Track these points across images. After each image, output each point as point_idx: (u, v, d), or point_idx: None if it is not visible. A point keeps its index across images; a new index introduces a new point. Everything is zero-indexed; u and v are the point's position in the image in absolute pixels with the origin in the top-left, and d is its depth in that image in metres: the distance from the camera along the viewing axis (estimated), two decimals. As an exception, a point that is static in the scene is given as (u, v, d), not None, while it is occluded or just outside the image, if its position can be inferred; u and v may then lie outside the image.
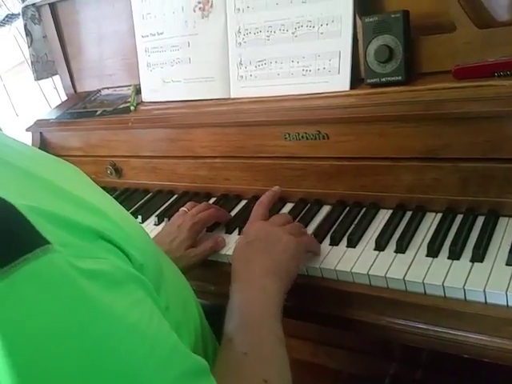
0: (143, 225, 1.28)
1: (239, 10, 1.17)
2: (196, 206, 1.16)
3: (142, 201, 1.39)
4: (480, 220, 0.94)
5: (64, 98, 1.78)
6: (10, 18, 5.00)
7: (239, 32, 1.18)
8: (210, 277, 1.10)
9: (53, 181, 0.60)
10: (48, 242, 0.48)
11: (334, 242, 1.00)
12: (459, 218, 0.96)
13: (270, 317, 0.79)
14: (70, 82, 1.71)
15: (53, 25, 1.66)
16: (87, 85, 1.68)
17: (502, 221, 0.93)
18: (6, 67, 6.20)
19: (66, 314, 0.48)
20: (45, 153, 0.76)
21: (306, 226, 1.06)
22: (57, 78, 1.81)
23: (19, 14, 4.72)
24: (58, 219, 0.52)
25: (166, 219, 1.25)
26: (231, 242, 1.10)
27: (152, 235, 1.20)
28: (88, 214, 0.58)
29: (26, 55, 5.39)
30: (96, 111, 1.49)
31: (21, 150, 0.67)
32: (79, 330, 0.48)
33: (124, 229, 0.62)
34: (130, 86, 1.49)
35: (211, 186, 1.29)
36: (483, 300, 0.81)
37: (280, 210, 1.16)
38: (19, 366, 0.45)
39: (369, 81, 1.03)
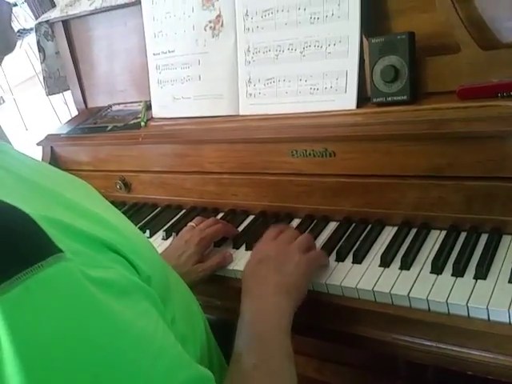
0: (151, 239, 1.29)
1: (249, 29, 1.19)
2: (204, 221, 1.17)
3: (151, 215, 1.41)
4: (483, 238, 0.95)
5: (74, 113, 1.81)
6: (22, 32, 5.06)
7: (248, 51, 1.20)
8: (216, 292, 1.11)
9: (62, 193, 0.62)
10: (61, 250, 0.50)
11: (340, 258, 1.01)
12: (463, 235, 0.97)
13: (280, 333, 0.80)
14: (82, 98, 1.74)
15: (65, 41, 1.69)
16: (98, 100, 1.71)
17: (505, 239, 0.94)
18: (17, 81, 6.26)
19: (76, 321, 0.49)
20: (54, 167, 0.77)
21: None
22: (67, 93, 1.84)
23: (31, 30, 4.77)
24: (69, 229, 0.54)
25: (173, 234, 1.26)
26: (238, 257, 1.11)
27: (160, 250, 1.21)
28: (96, 225, 0.59)
29: (36, 70, 5.45)
30: (107, 126, 1.51)
31: (30, 164, 0.69)
32: (89, 336, 0.49)
33: (131, 241, 0.63)
34: (140, 102, 1.52)
35: (219, 201, 1.31)
36: (486, 317, 0.82)
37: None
38: (29, 371, 0.46)
39: (375, 100, 1.05)
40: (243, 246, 1.14)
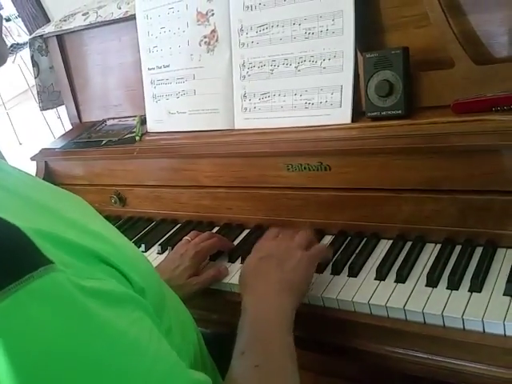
0: (146, 253, 1.29)
1: (244, 44, 1.20)
2: (199, 235, 1.17)
3: (146, 229, 1.41)
4: (478, 251, 0.96)
5: (68, 127, 1.81)
6: (15, 47, 5.07)
7: (243, 65, 1.21)
8: (212, 305, 1.11)
9: (55, 207, 0.62)
10: (51, 262, 0.50)
11: (336, 272, 1.02)
12: (458, 248, 0.98)
13: (282, 331, 0.81)
14: (76, 112, 1.74)
15: (60, 56, 1.70)
16: (92, 115, 1.71)
17: (500, 252, 0.95)
18: (10, 95, 6.27)
19: (68, 331, 0.49)
20: (46, 182, 0.78)
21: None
22: (61, 107, 1.84)
23: (24, 44, 4.78)
24: (60, 241, 0.54)
25: (169, 248, 1.26)
26: (234, 271, 1.12)
27: (155, 263, 1.21)
28: (89, 238, 0.59)
29: (30, 84, 5.46)
30: (101, 141, 1.51)
31: (24, 179, 0.69)
32: (81, 346, 0.49)
33: (125, 253, 0.64)
34: (135, 116, 1.52)
35: (214, 215, 1.31)
36: (481, 329, 0.82)
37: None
38: (23, 381, 0.46)
39: (370, 114, 1.06)
40: (238, 260, 1.15)
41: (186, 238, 1.17)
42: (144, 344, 0.55)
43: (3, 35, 0.69)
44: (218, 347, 0.89)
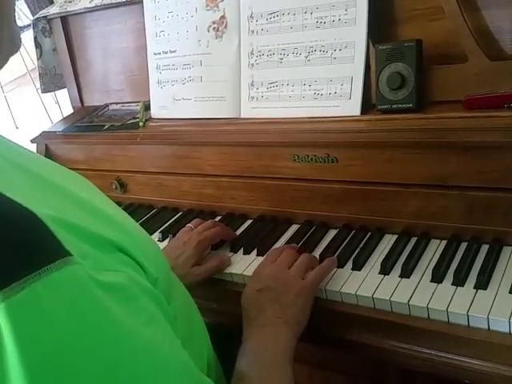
0: (147, 240, 1.28)
1: (253, 31, 1.19)
2: (202, 223, 1.16)
3: (147, 216, 1.40)
4: (484, 248, 0.95)
5: (66, 112, 1.80)
6: (15, 30, 5.03)
7: (252, 53, 1.20)
8: (212, 295, 1.10)
9: (70, 189, 0.61)
10: (69, 254, 0.48)
11: (340, 265, 1.01)
12: (464, 245, 0.97)
13: (281, 361, 0.81)
14: (78, 96, 1.72)
15: (63, 38, 1.68)
16: (94, 99, 1.70)
17: (506, 250, 0.94)
18: (8, 79, 6.23)
19: (82, 327, 0.48)
20: (55, 163, 0.77)
21: (312, 249, 1.07)
22: (59, 92, 1.82)
23: (24, 27, 4.74)
24: (79, 230, 0.53)
25: (170, 236, 1.25)
26: (236, 261, 1.11)
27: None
28: (106, 226, 0.58)
29: (28, 68, 5.42)
30: (103, 125, 1.50)
31: (36, 158, 0.68)
32: (94, 343, 0.48)
33: (139, 242, 0.63)
34: (138, 102, 1.51)
35: (217, 204, 1.30)
36: (486, 327, 0.82)
37: (285, 231, 1.17)
38: (32, 375, 0.45)
39: (380, 107, 1.05)
40: (241, 250, 1.14)
41: (189, 225, 1.16)
42: (157, 345, 0.55)
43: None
44: (218, 337, 0.89)
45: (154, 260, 0.64)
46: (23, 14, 5.12)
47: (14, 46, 0.65)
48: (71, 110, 1.77)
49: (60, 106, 4.73)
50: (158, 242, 1.27)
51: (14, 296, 0.45)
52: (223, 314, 1.08)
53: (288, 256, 1.00)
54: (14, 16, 0.66)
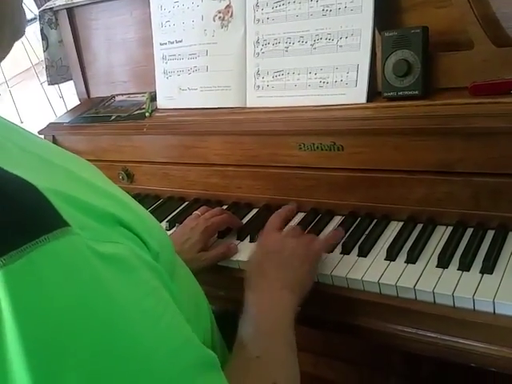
0: (153, 230, 1.29)
1: (259, 20, 1.19)
2: (209, 210, 1.17)
3: (153, 206, 1.40)
4: (490, 234, 0.96)
5: (70, 106, 1.80)
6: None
7: (258, 42, 1.20)
8: (220, 282, 1.11)
9: (73, 170, 0.61)
10: (68, 224, 0.49)
11: (346, 251, 1.02)
12: (469, 231, 0.98)
13: (284, 326, 0.81)
14: (84, 87, 1.73)
15: (69, 30, 1.69)
16: (101, 91, 1.70)
17: (512, 235, 0.95)
18: (13, 73, 6.23)
19: (80, 297, 0.48)
20: (60, 147, 0.77)
21: (318, 235, 1.08)
22: (63, 86, 1.83)
23: (28, 21, 4.75)
24: (79, 203, 0.53)
25: (176, 225, 1.25)
26: (242, 249, 1.11)
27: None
28: (107, 200, 0.59)
29: (33, 62, 5.43)
30: (110, 116, 1.50)
31: (39, 141, 0.69)
32: (90, 312, 0.49)
33: (142, 218, 0.63)
34: (144, 93, 1.51)
35: (223, 193, 1.30)
36: (492, 310, 0.82)
37: (292, 219, 1.17)
38: (29, 341, 0.45)
39: (386, 94, 1.05)
40: (247, 238, 1.15)
41: (196, 212, 1.17)
42: (157, 315, 0.55)
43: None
44: (225, 323, 0.89)
45: (156, 235, 0.64)
46: (27, 8, 5.11)
47: (18, 32, 0.65)
48: (75, 104, 1.78)
49: (64, 100, 4.74)
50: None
51: (11, 264, 0.45)
52: (230, 301, 1.09)
53: (293, 229, 1.02)
54: (22, 2, 0.66)
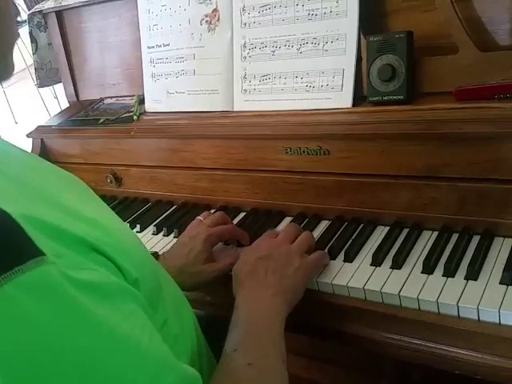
0: (141, 234, 1.28)
1: (245, 24, 1.19)
2: (211, 215, 1.14)
3: (141, 210, 1.40)
4: (475, 239, 0.95)
5: (64, 107, 1.79)
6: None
7: (245, 46, 1.20)
8: (206, 287, 1.10)
9: (50, 192, 0.60)
10: (43, 253, 0.48)
11: (331, 257, 1.01)
12: (455, 236, 0.97)
13: (275, 334, 0.80)
14: (73, 90, 1.72)
15: (58, 33, 1.68)
16: (90, 93, 1.69)
17: (497, 241, 0.94)
18: (7, 74, 6.20)
19: (57, 327, 0.47)
20: (46, 162, 0.75)
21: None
22: (57, 87, 1.82)
23: (22, 22, 4.73)
24: (52, 229, 0.52)
25: (164, 229, 1.25)
26: (229, 254, 1.10)
27: (151, 244, 1.21)
28: (83, 225, 0.57)
29: (27, 63, 5.41)
30: (98, 119, 1.50)
31: (20, 159, 0.67)
32: (70, 342, 0.48)
33: (120, 242, 0.61)
34: (133, 96, 1.51)
35: (211, 197, 1.30)
36: (476, 317, 0.82)
37: (279, 223, 1.17)
38: (8, 378, 0.45)
39: (371, 99, 1.05)
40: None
41: (199, 218, 1.13)
42: (135, 340, 0.54)
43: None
44: (211, 329, 0.89)
45: (136, 259, 0.63)
46: (21, 9, 5.10)
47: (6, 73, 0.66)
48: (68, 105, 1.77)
49: (59, 100, 4.73)
50: (152, 236, 1.27)
51: None
52: (217, 307, 1.09)
53: (290, 230, 1.01)
54: (12, 12, 0.66)
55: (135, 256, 0.64)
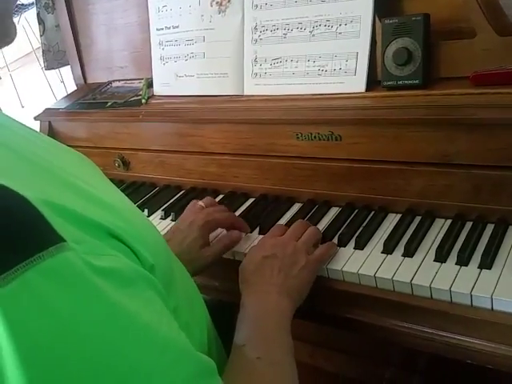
0: (149, 218, 1.27)
1: (257, 6, 1.17)
2: (214, 202, 1.13)
3: (149, 194, 1.39)
4: (489, 228, 0.94)
5: (71, 91, 1.78)
6: (20, 8, 5.00)
7: (256, 29, 1.18)
8: (214, 273, 1.09)
9: (64, 174, 0.59)
10: (63, 240, 0.47)
11: (342, 244, 1.00)
12: (469, 225, 0.96)
13: (280, 330, 0.81)
14: (81, 73, 1.70)
15: (66, 14, 1.66)
16: (97, 76, 1.68)
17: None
18: (14, 57, 6.20)
19: (79, 315, 0.47)
20: (57, 142, 0.74)
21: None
22: (64, 71, 1.81)
23: (29, 5, 4.72)
24: (70, 214, 0.51)
25: (172, 214, 1.24)
26: (251, 239, 1.09)
27: (159, 229, 1.19)
28: (99, 210, 0.56)
29: (34, 46, 5.40)
30: (106, 103, 1.48)
31: (34, 140, 0.66)
32: (92, 330, 0.47)
33: (136, 227, 0.61)
34: (141, 79, 1.49)
35: (219, 182, 1.29)
36: (490, 307, 0.81)
37: (288, 210, 1.16)
38: (29, 367, 0.44)
39: (385, 83, 1.03)
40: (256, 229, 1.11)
41: (200, 204, 1.10)
42: (154, 328, 0.53)
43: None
44: (219, 314, 0.89)
45: (152, 246, 0.62)
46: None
47: (6, 38, 0.64)
48: (75, 88, 1.76)
49: (65, 84, 4.72)
50: (160, 220, 1.26)
51: (6, 286, 0.43)
52: (225, 292, 1.08)
53: (297, 229, 0.99)
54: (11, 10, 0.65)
55: (151, 241, 0.63)
